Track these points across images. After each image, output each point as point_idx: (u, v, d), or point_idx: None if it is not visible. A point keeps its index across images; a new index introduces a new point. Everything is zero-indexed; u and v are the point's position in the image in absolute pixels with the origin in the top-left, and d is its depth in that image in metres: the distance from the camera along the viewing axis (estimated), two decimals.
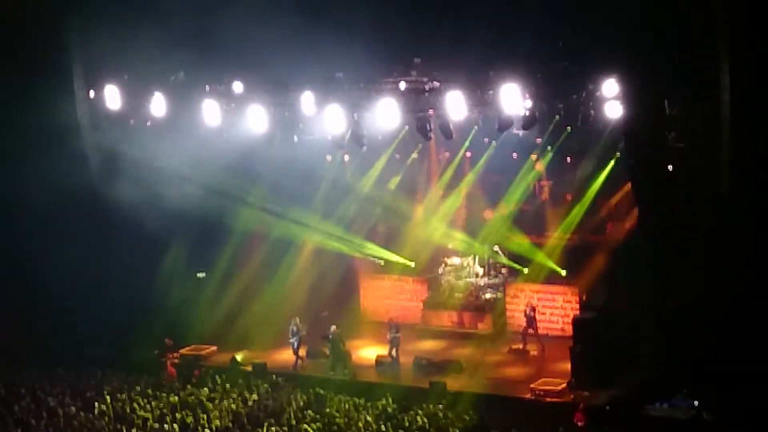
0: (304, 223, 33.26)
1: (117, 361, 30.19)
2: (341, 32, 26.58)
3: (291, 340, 30.24)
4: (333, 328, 29.83)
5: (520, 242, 33.02)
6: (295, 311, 31.80)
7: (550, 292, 31.93)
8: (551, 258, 32.32)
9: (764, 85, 23.24)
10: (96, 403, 26.13)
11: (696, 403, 24.84)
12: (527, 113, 26.98)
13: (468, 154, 33.11)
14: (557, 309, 31.57)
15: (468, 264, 33.65)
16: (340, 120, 29.02)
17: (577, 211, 32.31)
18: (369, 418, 24.76)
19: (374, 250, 34.33)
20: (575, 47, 26.04)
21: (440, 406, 25.70)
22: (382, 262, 34.54)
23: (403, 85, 28.44)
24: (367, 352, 30.82)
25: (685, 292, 26.84)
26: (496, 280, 33.25)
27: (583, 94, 26.71)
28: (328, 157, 32.62)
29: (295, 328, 30.15)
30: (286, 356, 30.91)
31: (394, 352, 29.82)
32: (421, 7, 27.67)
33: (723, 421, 23.93)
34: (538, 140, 31.18)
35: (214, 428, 24.20)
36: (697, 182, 24.92)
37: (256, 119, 29.68)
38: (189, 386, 27.94)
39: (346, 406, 26.06)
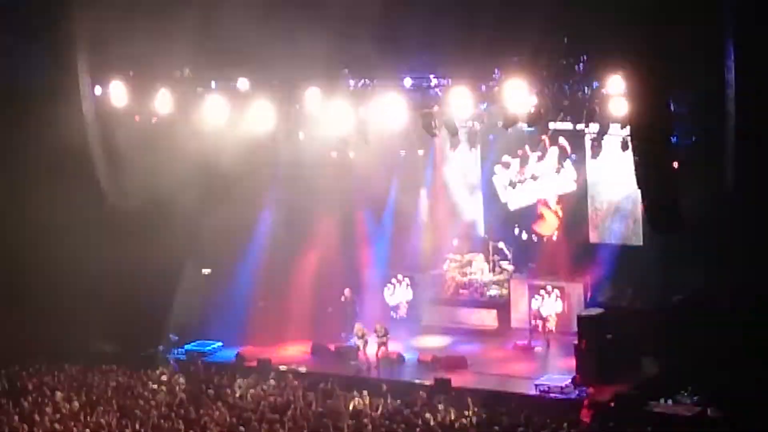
0: (309, 219, 33.19)
1: (122, 357, 30.26)
2: (347, 28, 26.57)
3: (357, 343, 30.21)
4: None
5: (525, 238, 32.98)
6: (300, 307, 31.90)
7: (555, 288, 31.89)
8: (557, 253, 32.29)
9: None
10: (101, 399, 26.20)
11: (701, 399, 24.88)
12: (532, 110, 26.94)
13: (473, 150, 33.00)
14: (562, 305, 31.53)
15: (473, 260, 33.62)
16: (346, 117, 29.03)
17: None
18: (374, 414, 24.83)
19: (379, 245, 34.31)
20: (580, 43, 26.03)
21: (445, 402, 25.76)
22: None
23: (408, 82, 28.44)
24: (371, 348, 30.85)
25: (690, 289, 26.92)
26: (501, 277, 33.16)
27: (588, 91, 26.67)
28: (334, 154, 32.56)
29: (359, 333, 30.19)
30: (291, 352, 30.99)
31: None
32: (427, 2, 27.66)
33: (728, 418, 23.92)
34: (543, 137, 31.09)
35: (218, 424, 24.23)
36: (703, 179, 24.93)
37: (261, 115, 29.67)
38: (194, 382, 28.01)
39: (352, 401, 26.13)
